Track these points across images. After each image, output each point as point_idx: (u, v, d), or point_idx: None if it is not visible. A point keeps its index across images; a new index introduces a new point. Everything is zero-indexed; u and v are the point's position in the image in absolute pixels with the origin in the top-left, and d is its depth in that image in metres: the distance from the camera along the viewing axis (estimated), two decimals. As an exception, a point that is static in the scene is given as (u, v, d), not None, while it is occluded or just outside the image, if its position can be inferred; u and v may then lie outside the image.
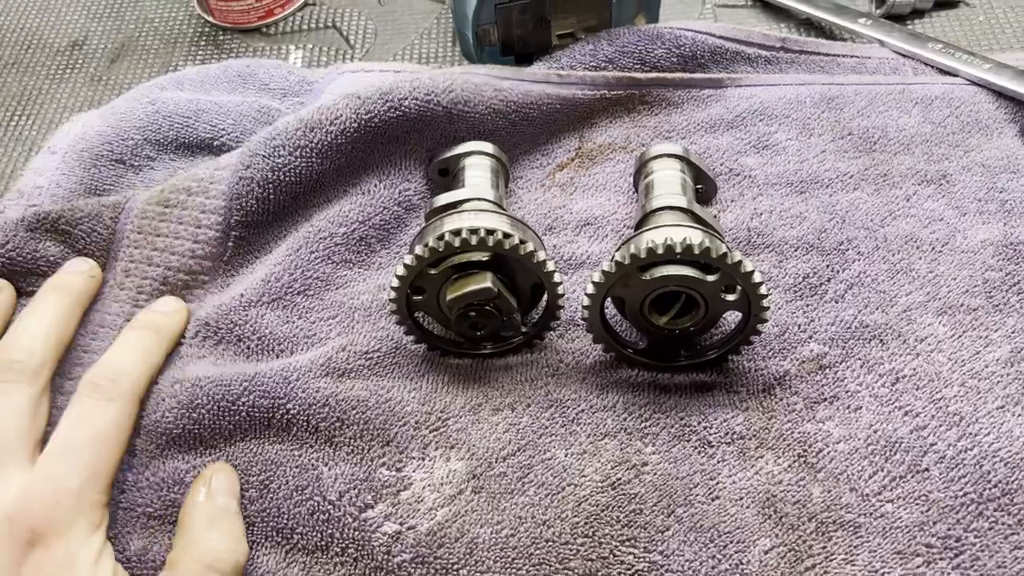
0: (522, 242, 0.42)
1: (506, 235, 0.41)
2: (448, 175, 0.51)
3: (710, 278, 0.41)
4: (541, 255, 0.42)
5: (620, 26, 0.59)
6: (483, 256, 0.42)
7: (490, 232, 0.41)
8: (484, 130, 0.53)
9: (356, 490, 0.41)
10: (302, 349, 0.46)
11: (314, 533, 0.41)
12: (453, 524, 0.41)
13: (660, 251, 0.40)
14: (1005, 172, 0.51)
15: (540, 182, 0.54)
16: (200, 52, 0.68)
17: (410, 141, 0.52)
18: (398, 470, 0.42)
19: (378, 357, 0.46)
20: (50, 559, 0.36)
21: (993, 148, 0.52)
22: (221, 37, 0.69)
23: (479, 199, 0.46)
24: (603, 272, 0.41)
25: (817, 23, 0.64)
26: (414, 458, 0.43)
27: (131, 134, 0.54)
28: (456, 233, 0.41)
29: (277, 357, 0.46)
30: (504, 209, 0.47)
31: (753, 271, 0.40)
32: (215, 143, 0.54)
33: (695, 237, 0.40)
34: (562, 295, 0.44)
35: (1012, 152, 0.52)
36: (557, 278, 0.43)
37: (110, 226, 0.49)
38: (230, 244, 0.50)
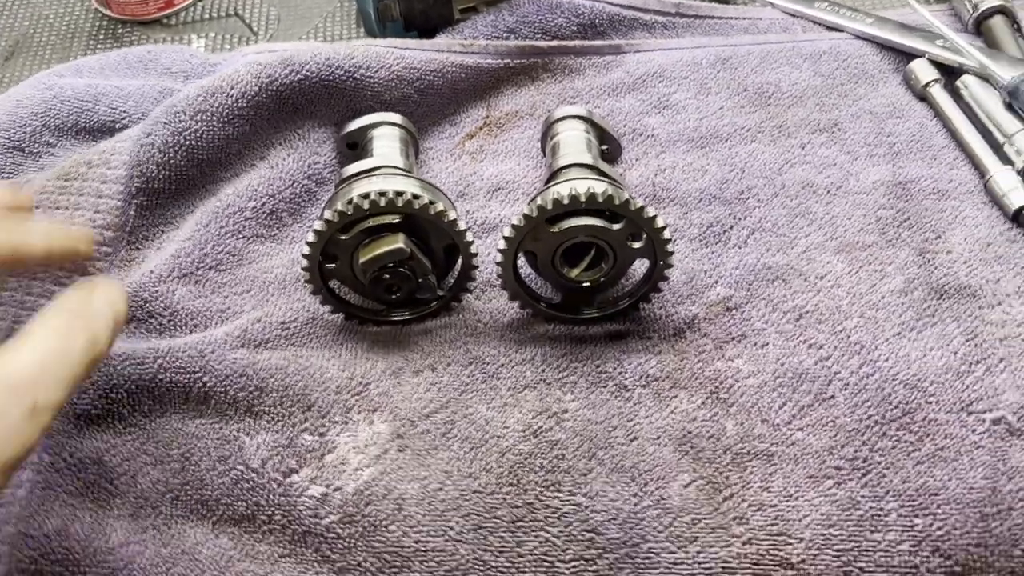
0: (431, 202, 0.42)
1: (415, 196, 0.42)
2: (357, 148, 0.52)
3: (616, 227, 0.42)
4: (452, 215, 0.42)
5: (521, -2, 0.60)
6: (394, 218, 0.42)
7: (399, 194, 0.41)
8: (390, 99, 0.53)
9: (279, 456, 0.41)
10: (216, 323, 0.46)
11: (239, 503, 0.40)
12: (380, 482, 0.41)
13: (566, 201, 0.41)
14: (891, 117, 0.54)
15: (450, 151, 0.54)
16: (99, 46, 0.67)
17: (316, 112, 0.52)
18: (321, 435, 0.42)
19: (295, 327, 0.46)
20: None
21: (879, 96, 0.55)
22: (120, 30, 0.67)
23: (388, 167, 0.46)
24: (513, 227, 0.42)
25: (711, -10, 0.66)
26: (337, 422, 0.43)
27: (28, 120, 0.52)
28: (365, 196, 0.41)
29: (190, 332, 0.45)
30: (414, 175, 0.47)
31: (655, 216, 0.41)
32: (117, 126, 0.53)
33: (598, 187, 0.41)
34: (475, 254, 0.44)
35: (896, 99, 0.55)
36: (469, 236, 0.43)
37: None
38: (132, 212, 0.49)
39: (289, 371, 0.43)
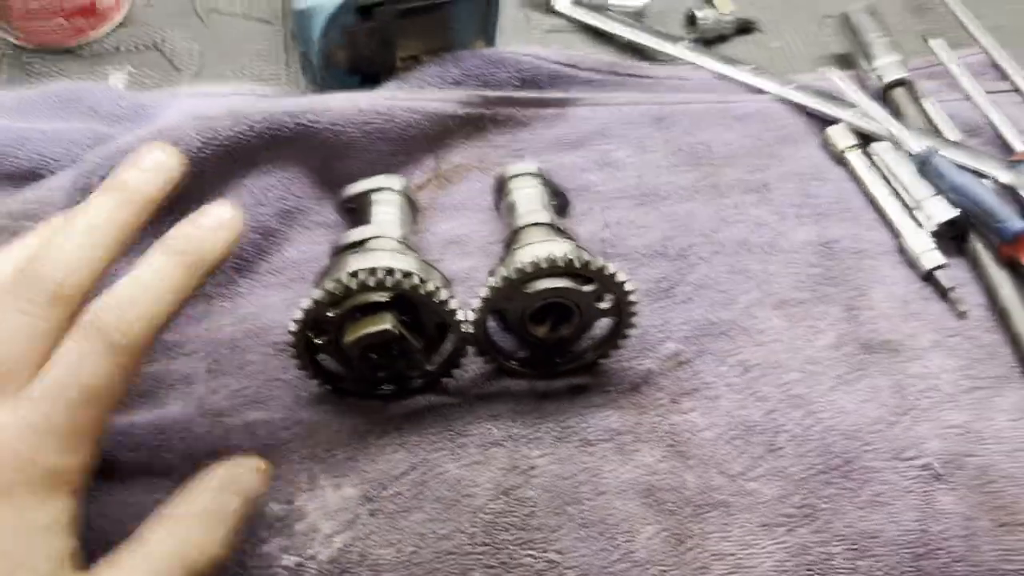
0: (423, 281, 0.41)
1: (406, 275, 0.41)
2: (355, 212, 0.50)
3: (586, 288, 0.44)
4: (444, 294, 0.42)
5: (461, 49, 0.61)
6: (383, 296, 0.41)
7: (389, 272, 0.41)
8: (339, 144, 0.53)
9: (247, 526, 0.40)
10: (171, 393, 0.44)
11: (208, 576, 0.39)
12: (354, 549, 0.40)
13: (544, 265, 0.42)
14: (814, 179, 0.58)
15: (400, 203, 0.54)
16: (3, 75, 0.62)
17: (261, 161, 0.51)
18: (288, 503, 0.41)
19: (251, 393, 0.45)
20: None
21: (802, 159, 0.59)
22: (27, 59, 0.63)
23: (384, 237, 0.45)
24: (490, 287, 0.42)
25: (638, 47, 0.69)
26: (304, 489, 0.42)
27: (-57, 166, 0.49)
28: (354, 275, 0.40)
29: (146, 402, 0.43)
30: (411, 246, 0.46)
31: (626, 281, 0.43)
32: (43, 173, 0.51)
33: (573, 252, 0.43)
34: (467, 334, 0.44)
35: (817, 162, 0.59)
36: (460, 316, 0.43)
37: None
38: None
39: (251, 441, 0.42)
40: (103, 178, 0.46)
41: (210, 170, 0.50)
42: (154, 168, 0.37)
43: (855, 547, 0.43)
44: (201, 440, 0.42)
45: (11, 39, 0.64)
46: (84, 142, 0.52)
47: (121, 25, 0.66)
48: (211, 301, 0.48)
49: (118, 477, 0.40)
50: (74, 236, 0.35)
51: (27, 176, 0.50)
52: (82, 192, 0.46)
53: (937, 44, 0.67)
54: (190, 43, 0.66)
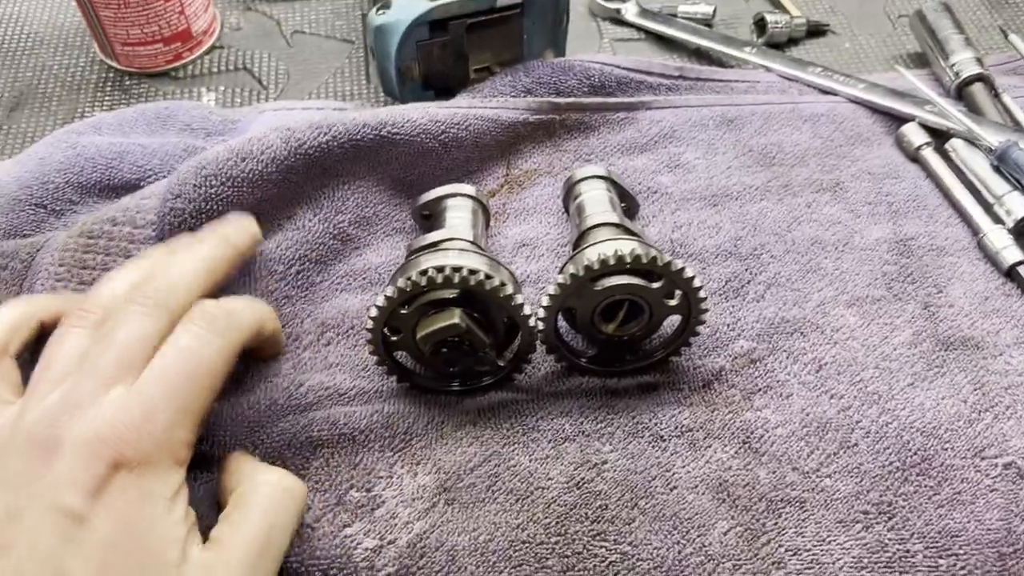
0: (488, 277, 0.42)
1: (472, 271, 0.42)
2: (430, 218, 0.52)
3: (654, 286, 0.44)
4: (509, 289, 0.43)
5: (531, 60, 0.63)
6: (452, 294, 0.43)
7: (456, 270, 0.42)
8: (414, 152, 0.54)
9: (332, 513, 0.42)
10: (255, 387, 0.46)
11: (292, 560, 0.41)
12: (431, 535, 0.42)
13: (612, 262, 0.43)
14: (888, 178, 0.57)
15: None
16: (107, 98, 0.67)
17: (342, 171, 0.54)
18: (368, 490, 0.43)
19: (334, 387, 0.47)
20: (132, 485, 0.36)
21: (875, 157, 0.59)
22: (128, 82, 0.68)
23: (456, 239, 0.47)
24: (558, 285, 0.43)
25: (706, 52, 0.69)
26: (382, 477, 0.43)
27: (51, 177, 0.53)
28: (423, 273, 0.42)
29: (234, 397, 0.46)
30: (481, 248, 0.48)
31: (694, 276, 0.44)
32: (142, 184, 0.54)
33: (640, 248, 0.43)
34: (535, 328, 0.45)
35: (891, 160, 0.59)
36: (527, 311, 0.44)
37: (26, 261, 0.48)
38: None
39: (334, 432, 0.44)
40: (196, 188, 0.49)
41: (294, 178, 0.52)
42: (243, 227, 0.47)
43: (936, 545, 0.43)
44: (287, 435, 0.44)
45: (113, 64, 0.68)
46: (178, 155, 0.55)
47: (213, 48, 0.70)
48: (295, 303, 0.50)
49: (205, 469, 0.43)
50: (184, 262, 0.43)
51: (127, 187, 0.54)
52: (175, 208, 0.49)
53: (1016, 38, 0.66)
54: (276, 63, 0.69)
